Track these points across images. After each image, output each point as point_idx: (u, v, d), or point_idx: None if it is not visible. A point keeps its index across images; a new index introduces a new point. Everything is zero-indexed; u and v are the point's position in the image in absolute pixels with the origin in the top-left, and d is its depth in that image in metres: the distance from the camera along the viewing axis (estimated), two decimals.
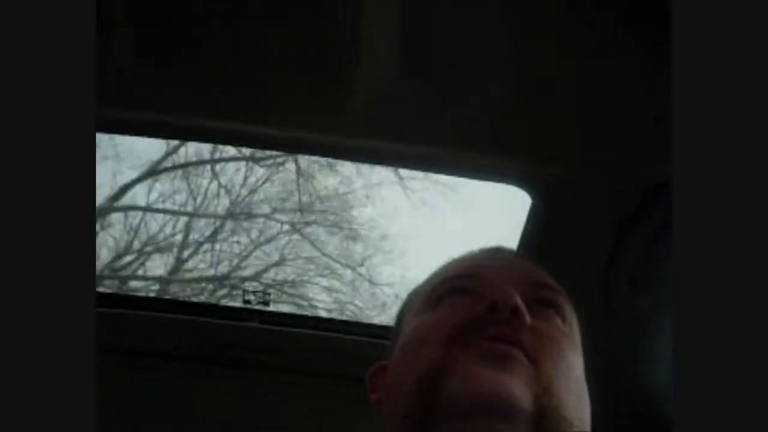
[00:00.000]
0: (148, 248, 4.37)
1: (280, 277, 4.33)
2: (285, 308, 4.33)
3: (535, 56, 0.91)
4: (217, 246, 4.32)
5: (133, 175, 4.18)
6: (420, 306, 0.74)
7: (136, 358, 1.23)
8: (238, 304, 1.44)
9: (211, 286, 4.30)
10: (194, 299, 4.25)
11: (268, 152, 3.89)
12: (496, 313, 0.64)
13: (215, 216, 4.39)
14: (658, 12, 0.77)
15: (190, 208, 4.41)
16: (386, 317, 3.76)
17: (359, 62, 0.90)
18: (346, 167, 4.05)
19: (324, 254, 4.36)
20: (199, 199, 4.41)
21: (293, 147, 1.23)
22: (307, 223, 4.36)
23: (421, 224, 4.46)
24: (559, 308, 0.71)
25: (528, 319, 0.65)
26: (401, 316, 0.79)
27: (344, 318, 3.97)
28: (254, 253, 4.31)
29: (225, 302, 4.36)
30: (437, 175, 1.58)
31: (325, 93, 0.96)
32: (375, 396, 0.75)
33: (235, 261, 4.30)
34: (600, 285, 1.11)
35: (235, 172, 4.31)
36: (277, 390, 1.28)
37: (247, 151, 4.02)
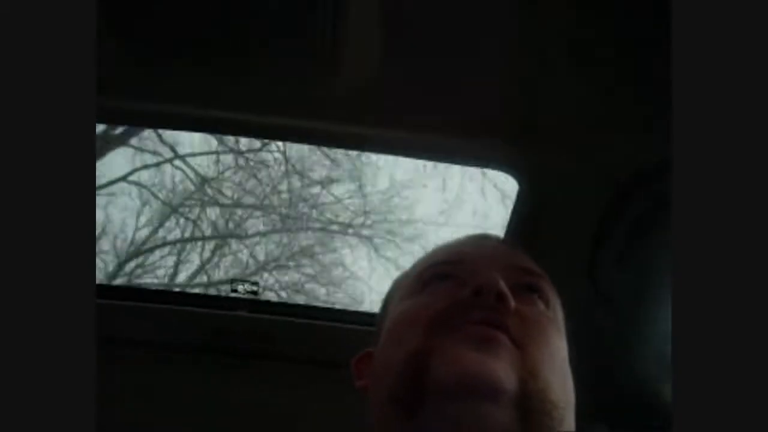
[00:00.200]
0: None
1: None
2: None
3: (522, 43, 0.91)
4: None
5: None
6: (405, 292, 0.74)
7: (123, 348, 1.22)
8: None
9: None
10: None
11: None
12: (481, 297, 0.65)
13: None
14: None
15: None
16: None
17: (345, 49, 0.90)
18: None
19: None
20: None
21: (280, 134, 1.22)
22: None
23: None
24: (542, 293, 0.72)
25: (512, 303, 0.65)
26: (387, 302, 0.79)
27: (332, 306, 3.98)
28: None
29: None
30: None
31: (310, 80, 0.96)
32: (361, 382, 0.75)
33: None
34: (587, 268, 1.11)
35: None
36: (266, 378, 1.28)
37: None
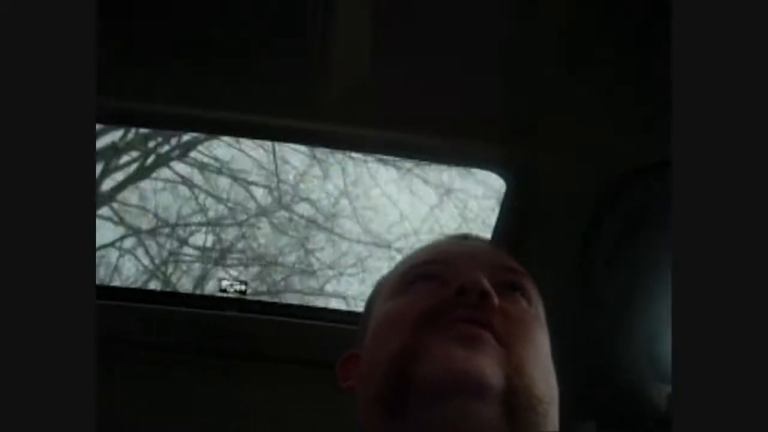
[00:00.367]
0: None
1: None
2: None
3: (511, 42, 0.91)
4: None
5: None
6: (389, 292, 0.75)
7: (110, 347, 1.22)
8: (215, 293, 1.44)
9: None
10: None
11: None
12: (465, 296, 0.66)
13: None
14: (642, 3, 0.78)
15: None
16: None
17: (336, 49, 0.90)
18: None
19: None
20: None
21: (271, 134, 1.22)
22: None
23: None
24: (525, 291, 0.72)
25: (496, 301, 0.66)
26: (370, 303, 0.79)
27: (320, 305, 3.98)
28: None
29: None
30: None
31: (301, 80, 0.96)
32: (347, 383, 0.76)
33: None
34: (576, 268, 1.12)
35: None
36: (255, 378, 1.28)
37: None
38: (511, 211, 1.12)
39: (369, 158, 3.85)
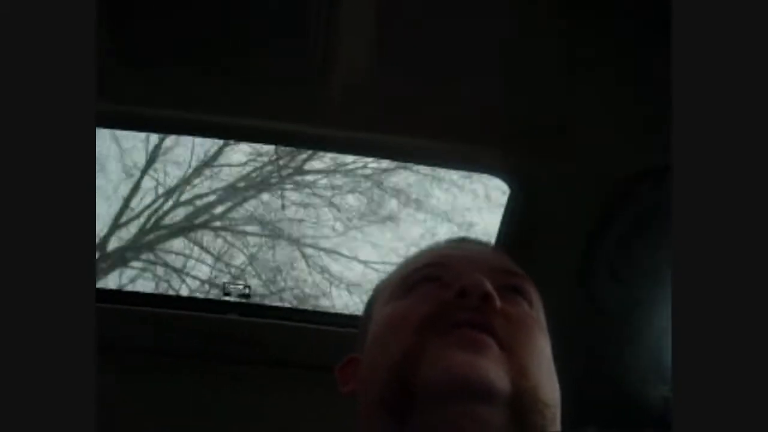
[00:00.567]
0: None
1: None
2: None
3: (515, 48, 0.91)
4: None
5: None
6: (389, 296, 0.74)
7: (111, 352, 1.22)
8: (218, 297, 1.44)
9: None
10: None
11: None
12: (467, 299, 0.66)
13: None
14: (642, 3, 0.78)
15: None
16: None
17: (338, 53, 0.90)
18: None
19: None
20: None
21: (272, 138, 1.22)
22: None
23: None
24: (525, 294, 0.72)
25: (498, 303, 0.66)
26: (370, 307, 0.79)
27: (322, 309, 3.97)
28: None
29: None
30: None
31: (303, 84, 0.96)
32: (348, 387, 0.75)
33: None
34: (579, 274, 1.12)
35: None
36: (257, 382, 1.28)
37: None
38: (514, 216, 1.12)
39: None
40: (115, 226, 4.08)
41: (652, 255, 1.07)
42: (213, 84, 0.97)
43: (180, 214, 4.30)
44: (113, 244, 4.08)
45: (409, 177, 4.12)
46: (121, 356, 1.22)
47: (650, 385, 1.15)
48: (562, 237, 1.11)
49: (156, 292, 4.11)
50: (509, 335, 0.65)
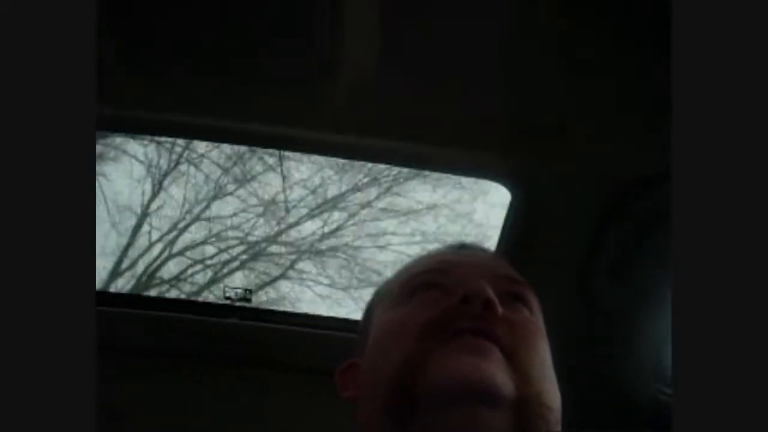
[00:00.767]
0: None
1: None
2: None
3: (516, 53, 0.91)
4: None
5: None
6: (390, 302, 0.74)
7: (113, 355, 1.22)
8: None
9: None
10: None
11: None
12: (469, 306, 0.65)
13: None
14: (643, 7, 0.78)
15: None
16: None
17: (341, 59, 0.90)
18: None
19: None
20: None
21: (275, 143, 1.23)
22: None
23: None
24: (526, 301, 0.72)
25: (500, 310, 0.66)
26: (369, 313, 0.79)
27: (323, 313, 3.96)
28: None
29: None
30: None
31: (307, 90, 0.96)
32: (348, 393, 0.75)
33: None
34: (580, 279, 1.12)
35: None
36: (258, 386, 1.28)
37: None
38: (515, 221, 1.12)
39: None
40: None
41: (653, 257, 1.07)
42: (214, 86, 0.97)
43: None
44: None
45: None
46: (125, 360, 1.22)
47: (651, 387, 1.15)
48: (562, 239, 1.11)
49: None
50: (512, 342, 0.65)
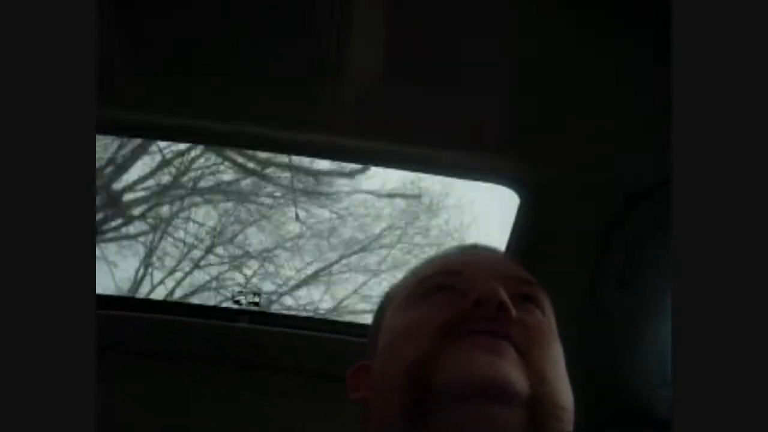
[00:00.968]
0: None
1: None
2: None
3: (524, 57, 0.91)
4: None
5: None
6: (403, 303, 0.74)
7: (123, 358, 1.22)
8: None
9: None
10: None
11: None
12: (483, 308, 0.66)
13: None
14: (652, 11, 0.78)
15: None
16: None
17: (349, 63, 0.90)
18: None
19: None
20: None
21: (283, 147, 1.23)
22: None
23: None
24: (538, 302, 0.72)
25: (514, 313, 0.66)
26: (380, 314, 0.79)
27: (331, 318, 3.97)
28: None
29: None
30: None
31: (314, 93, 0.96)
32: (359, 394, 0.75)
33: None
34: (588, 284, 1.11)
35: None
36: (267, 390, 1.28)
37: None
38: (524, 225, 1.12)
39: None
40: None
41: (661, 262, 1.07)
42: (215, 89, 0.97)
43: None
44: None
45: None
46: (132, 362, 1.23)
47: (658, 391, 1.15)
48: (570, 244, 1.10)
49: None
50: (525, 343, 0.65)
